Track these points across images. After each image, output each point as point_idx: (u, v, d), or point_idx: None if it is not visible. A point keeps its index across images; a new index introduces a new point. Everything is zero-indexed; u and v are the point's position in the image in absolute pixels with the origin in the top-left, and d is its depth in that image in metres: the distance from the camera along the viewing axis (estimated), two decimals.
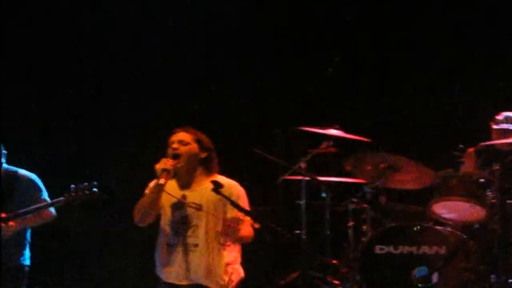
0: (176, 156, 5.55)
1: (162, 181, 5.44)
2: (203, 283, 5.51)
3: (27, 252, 6.69)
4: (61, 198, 6.46)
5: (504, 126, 7.78)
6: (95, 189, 6.42)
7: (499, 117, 7.88)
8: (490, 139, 7.77)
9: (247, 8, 8.97)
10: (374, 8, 8.94)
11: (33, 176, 6.74)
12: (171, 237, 5.60)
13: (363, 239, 7.71)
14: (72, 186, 6.45)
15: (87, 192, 6.41)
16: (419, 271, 7.33)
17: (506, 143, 7.63)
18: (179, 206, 5.62)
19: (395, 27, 8.95)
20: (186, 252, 5.52)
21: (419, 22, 8.91)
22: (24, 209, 6.48)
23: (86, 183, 6.45)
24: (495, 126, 7.81)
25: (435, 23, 8.90)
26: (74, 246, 8.94)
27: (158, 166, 5.50)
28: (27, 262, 6.69)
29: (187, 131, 5.72)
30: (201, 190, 5.62)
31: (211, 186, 5.50)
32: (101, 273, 8.97)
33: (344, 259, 8.04)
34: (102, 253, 9.01)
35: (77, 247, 8.97)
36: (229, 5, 8.90)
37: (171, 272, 5.55)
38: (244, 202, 5.63)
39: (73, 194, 6.43)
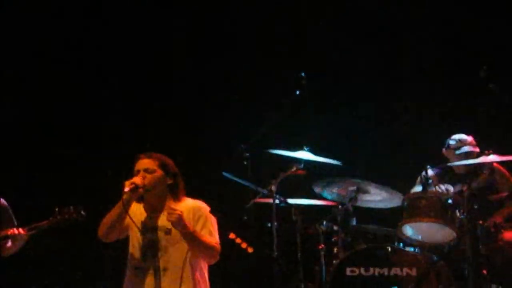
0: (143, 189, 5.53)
1: (126, 189, 5.41)
2: None
3: None
4: (45, 221, 6.38)
5: (465, 148, 7.86)
6: (82, 212, 6.35)
7: (453, 141, 7.95)
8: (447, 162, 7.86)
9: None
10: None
11: (3, 201, 6.65)
12: (140, 260, 5.57)
13: (334, 261, 7.73)
14: (56, 209, 6.38)
15: (74, 215, 6.34)
16: None
17: (464, 166, 7.72)
18: (148, 229, 5.61)
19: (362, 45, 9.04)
20: (155, 276, 5.49)
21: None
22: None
23: (71, 206, 6.37)
24: (457, 152, 7.87)
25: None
26: (45, 273, 8.89)
27: (127, 181, 5.49)
28: None
29: (151, 158, 5.70)
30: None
31: (184, 212, 5.50)
32: None
33: (315, 282, 8.05)
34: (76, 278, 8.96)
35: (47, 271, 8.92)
36: None
37: None
38: (213, 222, 5.61)
39: (58, 217, 6.35)
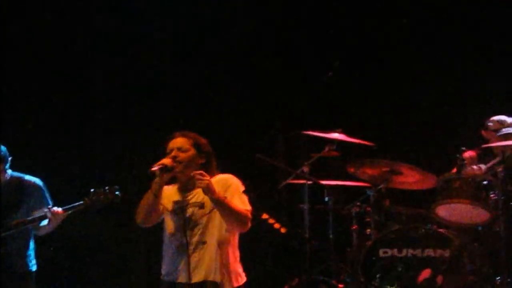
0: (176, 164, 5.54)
1: (154, 168, 5.42)
2: (214, 279, 5.52)
3: (33, 259, 6.67)
4: (81, 202, 6.42)
5: (504, 131, 7.79)
6: (117, 193, 6.38)
7: (491, 123, 7.89)
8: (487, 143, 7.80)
9: (247, 9, 8.98)
10: (377, 11, 8.95)
11: (39, 181, 6.71)
12: (178, 238, 5.61)
13: (366, 242, 7.72)
14: (92, 190, 6.42)
15: (109, 196, 6.37)
16: (424, 274, 7.34)
17: (506, 146, 7.64)
18: (182, 208, 5.63)
19: (399, 30, 8.96)
20: (194, 250, 5.54)
21: (424, 25, 8.92)
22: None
23: (106, 187, 6.40)
24: (498, 133, 7.81)
25: (440, 27, 8.92)
26: (78, 251, 8.96)
27: (157, 163, 5.51)
28: (33, 268, 6.67)
29: (185, 136, 5.70)
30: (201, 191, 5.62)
31: (215, 185, 5.52)
32: (106, 278, 8.98)
33: (348, 263, 8.05)
34: (108, 257, 9.02)
35: (81, 253, 8.98)
36: (229, 6, 8.91)
37: (181, 273, 5.55)
38: (243, 192, 5.61)
39: (93, 198, 6.39)
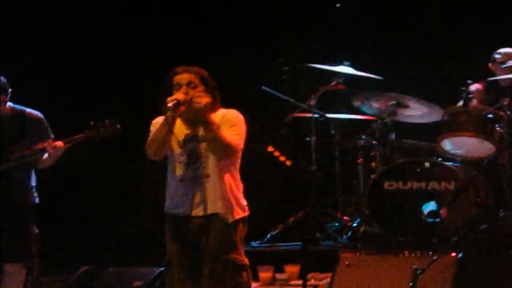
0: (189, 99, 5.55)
1: (169, 105, 5.42)
2: (217, 211, 5.56)
3: (35, 191, 6.70)
4: (81, 135, 6.43)
5: (511, 63, 7.75)
6: (117, 126, 6.38)
7: (499, 55, 7.84)
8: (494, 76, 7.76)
9: None
10: None
11: (40, 114, 6.71)
12: (182, 171, 5.63)
13: (372, 175, 7.75)
14: (91, 123, 6.42)
15: (109, 128, 6.38)
16: (428, 207, 7.37)
17: (508, 80, 7.61)
18: (187, 141, 5.65)
19: None
20: (199, 184, 5.57)
21: None
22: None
23: (106, 120, 6.40)
24: (503, 65, 7.77)
25: None
26: (82, 185, 9.03)
27: (170, 98, 5.51)
28: (35, 200, 6.70)
29: (190, 72, 5.67)
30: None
31: (215, 119, 5.54)
32: (112, 213, 9.06)
33: (353, 196, 8.10)
34: (113, 192, 9.09)
35: (85, 187, 9.05)
36: None
37: (184, 206, 5.59)
38: (240, 127, 5.62)
39: (93, 130, 6.40)
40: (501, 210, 7.30)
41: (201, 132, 5.60)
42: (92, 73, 9.05)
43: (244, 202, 5.65)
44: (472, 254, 6.98)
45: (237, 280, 5.51)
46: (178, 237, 5.61)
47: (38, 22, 8.83)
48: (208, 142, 5.53)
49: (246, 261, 5.57)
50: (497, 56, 7.86)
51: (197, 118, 5.54)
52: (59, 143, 6.45)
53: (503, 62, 7.78)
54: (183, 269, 5.58)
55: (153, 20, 9.07)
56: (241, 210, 5.61)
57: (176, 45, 8.87)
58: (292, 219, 7.93)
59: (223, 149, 5.50)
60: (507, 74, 7.63)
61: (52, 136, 6.60)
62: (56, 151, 6.45)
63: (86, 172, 9.03)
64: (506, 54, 7.83)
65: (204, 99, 5.50)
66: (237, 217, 5.57)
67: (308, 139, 7.98)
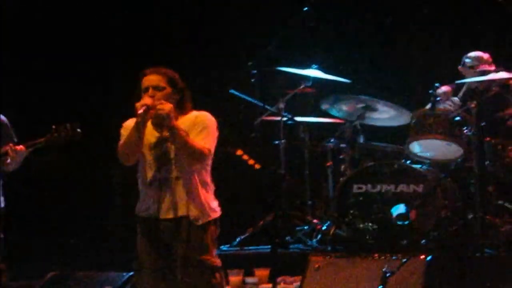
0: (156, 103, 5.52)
1: (140, 111, 5.40)
2: (188, 214, 5.54)
3: (1, 195, 6.61)
4: (42, 139, 6.38)
5: (481, 67, 7.79)
6: (78, 130, 6.35)
7: (469, 60, 7.89)
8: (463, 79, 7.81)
9: None
10: None
11: (3, 118, 6.64)
12: (152, 174, 5.61)
13: (341, 178, 7.77)
14: (53, 126, 6.37)
15: (70, 132, 6.34)
16: (397, 209, 7.40)
17: (481, 82, 7.66)
18: (158, 143, 5.63)
19: None
20: (168, 186, 5.55)
21: None
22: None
23: (67, 124, 6.37)
24: (477, 69, 7.81)
25: None
26: (50, 189, 8.96)
27: (138, 104, 5.49)
28: (1, 205, 6.63)
29: (158, 73, 5.64)
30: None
31: (185, 120, 5.52)
32: (81, 217, 9.01)
33: (323, 199, 8.11)
34: (82, 196, 9.04)
35: (55, 191, 8.99)
36: None
37: (155, 208, 5.57)
38: (211, 130, 5.60)
39: (55, 134, 6.35)
40: (469, 213, 7.34)
41: (169, 135, 5.57)
42: (57, 75, 8.98)
43: (215, 204, 5.64)
44: (441, 257, 7.02)
45: (211, 281, 5.50)
46: (149, 240, 5.58)
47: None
48: (176, 147, 5.52)
49: (218, 262, 5.56)
50: (467, 60, 7.91)
51: (162, 123, 5.51)
52: (21, 147, 6.40)
53: (473, 66, 7.83)
54: (154, 271, 5.55)
55: (122, 19, 9.02)
56: (212, 211, 5.59)
57: (145, 46, 8.83)
58: (261, 222, 7.92)
59: (191, 155, 5.48)
60: (477, 77, 7.67)
61: (15, 140, 6.54)
62: (18, 155, 6.39)
63: (55, 176, 8.97)
64: (476, 58, 7.88)
65: (167, 106, 5.46)
66: (208, 219, 5.55)
67: (277, 142, 7.98)
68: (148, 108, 5.46)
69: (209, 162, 5.64)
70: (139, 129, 5.47)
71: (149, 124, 5.61)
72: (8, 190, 6.65)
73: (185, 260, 5.47)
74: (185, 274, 5.46)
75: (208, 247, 5.53)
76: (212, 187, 5.66)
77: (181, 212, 5.53)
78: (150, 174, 5.60)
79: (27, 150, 6.41)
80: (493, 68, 7.75)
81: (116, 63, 8.83)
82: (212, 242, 5.57)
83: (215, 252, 5.58)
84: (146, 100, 5.49)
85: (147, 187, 5.61)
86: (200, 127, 5.56)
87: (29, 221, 8.68)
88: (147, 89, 5.58)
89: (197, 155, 5.49)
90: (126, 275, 7.35)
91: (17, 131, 6.62)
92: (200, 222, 5.53)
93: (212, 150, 5.57)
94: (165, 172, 5.57)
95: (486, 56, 7.89)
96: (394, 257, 6.91)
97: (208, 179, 5.64)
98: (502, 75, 7.35)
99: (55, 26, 8.94)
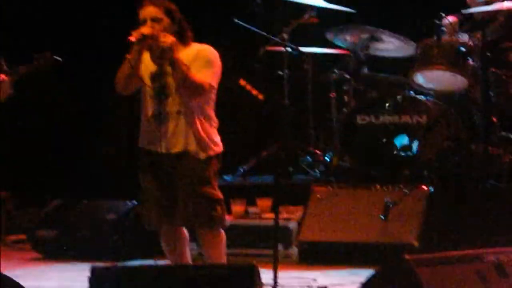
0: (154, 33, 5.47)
1: (132, 39, 5.35)
2: (189, 149, 5.54)
3: None
4: (23, 66, 6.40)
5: None
6: (57, 58, 6.39)
7: None
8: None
9: None
10: None
11: None
12: (153, 107, 5.59)
13: (344, 109, 7.75)
14: (34, 55, 6.39)
15: (50, 60, 6.37)
16: (400, 140, 7.41)
17: (486, 12, 7.57)
18: (157, 76, 5.59)
19: None
20: (170, 120, 5.52)
21: None
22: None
23: (46, 52, 6.39)
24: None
25: None
26: (55, 118, 8.98)
27: (134, 31, 5.42)
28: None
29: (155, 4, 5.56)
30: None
31: (187, 54, 5.48)
32: (85, 147, 9.03)
33: (326, 130, 8.10)
34: (86, 125, 9.05)
35: (58, 120, 9.01)
36: None
37: (156, 142, 5.56)
38: (214, 65, 5.57)
39: (35, 62, 6.39)
40: (473, 144, 7.34)
41: (170, 68, 5.53)
42: None
43: (217, 138, 5.62)
44: (443, 188, 7.06)
45: (211, 214, 5.51)
46: (152, 173, 5.59)
47: None
48: (176, 82, 5.48)
49: (220, 195, 5.57)
50: None
51: (162, 56, 5.46)
52: (2, 76, 6.40)
53: None
54: (157, 205, 5.57)
55: None
56: (214, 146, 5.59)
57: None
58: (264, 153, 7.93)
59: (192, 89, 5.44)
60: (482, 7, 7.58)
61: None
62: (3, 87, 6.39)
63: (58, 105, 8.96)
64: None
65: (169, 38, 5.41)
66: (210, 153, 5.55)
67: (280, 73, 7.93)
68: (144, 37, 5.40)
69: (213, 96, 5.60)
70: (134, 58, 5.42)
71: (149, 59, 5.57)
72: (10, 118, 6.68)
73: (187, 193, 5.49)
74: (187, 206, 5.48)
75: (209, 179, 5.53)
76: (215, 122, 5.64)
77: (183, 146, 5.52)
78: (151, 107, 5.57)
79: (10, 79, 6.42)
80: None
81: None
82: (214, 175, 5.57)
83: (216, 185, 5.59)
84: (144, 29, 5.43)
85: (149, 120, 5.59)
86: (203, 62, 5.50)
87: (33, 150, 8.71)
88: (144, 21, 5.50)
89: (199, 90, 5.45)
90: (130, 204, 7.44)
91: None
92: (202, 156, 5.52)
93: (215, 85, 5.53)
94: (166, 106, 5.54)
95: None
96: (396, 188, 6.98)
97: (211, 113, 5.61)
98: (509, 4, 7.26)
99: None
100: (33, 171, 8.69)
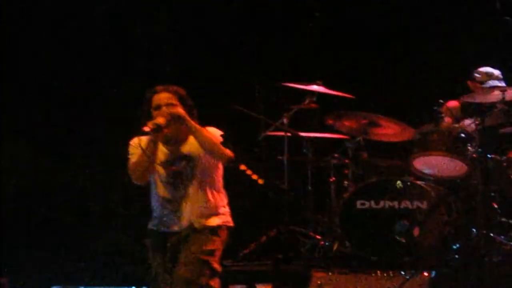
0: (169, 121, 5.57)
1: (147, 129, 5.48)
2: (204, 221, 5.63)
3: None
4: None
5: (491, 83, 7.79)
6: None
7: (478, 74, 7.88)
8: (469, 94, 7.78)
9: None
10: None
11: None
12: (166, 191, 5.67)
13: (344, 194, 7.75)
14: None
15: None
16: (400, 226, 7.38)
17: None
18: (170, 162, 5.67)
19: None
20: (185, 203, 5.64)
21: None
22: None
23: None
24: (483, 85, 7.80)
25: None
26: (58, 203, 8.97)
27: (151, 122, 5.53)
28: None
29: (168, 91, 5.69)
30: (188, 143, 5.69)
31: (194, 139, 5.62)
32: (87, 232, 9.01)
33: (326, 215, 8.08)
34: (86, 209, 9.05)
35: (62, 204, 9.00)
36: None
37: (171, 224, 5.67)
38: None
39: None
40: (473, 230, 7.31)
41: (184, 149, 5.61)
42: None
43: (228, 213, 5.72)
44: (444, 274, 7.00)
45: (209, 284, 5.57)
46: (163, 251, 5.69)
47: None
48: (197, 146, 5.59)
49: (219, 268, 5.64)
50: (477, 75, 7.90)
51: (179, 131, 5.55)
52: None
53: (482, 82, 7.82)
54: (167, 283, 5.63)
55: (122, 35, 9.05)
56: (224, 217, 5.74)
57: (150, 64, 8.85)
58: (264, 237, 7.90)
59: (213, 147, 5.54)
60: (486, 93, 7.63)
61: None
62: None
63: (63, 190, 8.97)
64: (486, 73, 7.87)
65: (179, 108, 5.55)
66: (220, 223, 5.67)
67: (280, 157, 7.96)
68: (160, 127, 5.49)
69: (221, 172, 5.78)
70: (151, 149, 5.51)
71: (160, 144, 5.66)
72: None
73: (189, 257, 5.57)
74: (185, 271, 5.53)
75: (213, 251, 5.63)
76: (225, 198, 5.79)
77: (198, 221, 5.64)
78: (164, 191, 5.71)
79: None
80: (503, 84, 7.74)
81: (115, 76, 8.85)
82: (218, 247, 5.66)
83: (218, 258, 5.65)
84: (159, 119, 5.53)
85: (162, 203, 5.71)
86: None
87: (35, 236, 8.68)
88: (158, 107, 5.64)
89: (218, 148, 5.59)
90: None
91: None
92: (211, 224, 5.64)
93: (227, 156, 5.65)
94: (179, 188, 5.67)
95: (496, 72, 7.89)
96: (397, 274, 6.91)
97: (222, 190, 5.79)
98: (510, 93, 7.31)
99: None
100: (33, 256, 8.64)
